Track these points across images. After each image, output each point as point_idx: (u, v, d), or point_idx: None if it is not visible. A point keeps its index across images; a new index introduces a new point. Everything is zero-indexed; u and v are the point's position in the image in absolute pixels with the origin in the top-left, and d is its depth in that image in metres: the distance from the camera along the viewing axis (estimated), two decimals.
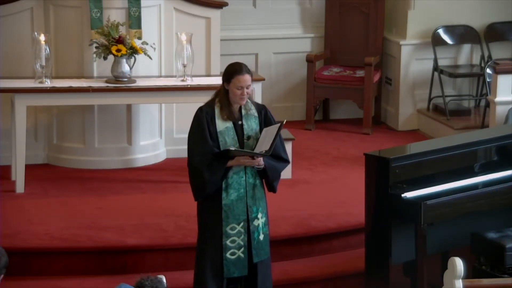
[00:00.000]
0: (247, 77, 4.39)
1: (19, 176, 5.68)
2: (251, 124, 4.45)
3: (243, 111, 4.45)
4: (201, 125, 4.37)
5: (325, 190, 5.88)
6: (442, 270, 4.35)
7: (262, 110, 4.50)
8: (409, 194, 4.77)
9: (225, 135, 4.39)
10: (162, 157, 6.29)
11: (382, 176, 4.78)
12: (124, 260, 5.02)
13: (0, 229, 5.13)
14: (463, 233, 4.95)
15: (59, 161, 6.14)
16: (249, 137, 4.43)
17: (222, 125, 4.39)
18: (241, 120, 4.43)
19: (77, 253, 5.01)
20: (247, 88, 4.39)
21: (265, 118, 4.48)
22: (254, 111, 4.47)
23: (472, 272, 4.80)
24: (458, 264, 4.05)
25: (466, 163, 5.03)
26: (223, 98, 4.41)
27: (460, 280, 4.07)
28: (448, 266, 4.12)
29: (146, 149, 6.21)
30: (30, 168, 5.83)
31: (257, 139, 4.42)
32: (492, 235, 4.88)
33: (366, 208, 4.88)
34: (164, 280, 3.32)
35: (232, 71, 4.41)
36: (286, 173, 5.98)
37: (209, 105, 4.44)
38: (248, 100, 4.46)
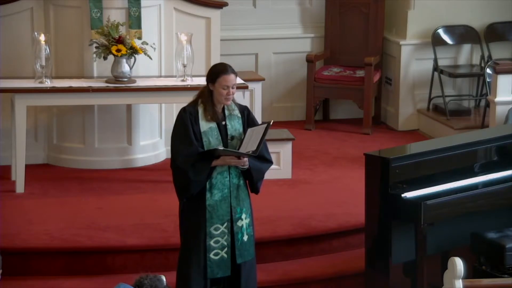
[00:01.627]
0: (232, 77, 4.39)
1: (19, 176, 5.68)
2: (234, 125, 4.45)
3: (227, 112, 4.45)
4: (185, 125, 4.37)
5: (325, 190, 5.88)
6: (442, 270, 4.35)
7: (244, 111, 4.50)
8: (409, 194, 4.77)
9: (209, 135, 4.39)
10: (162, 157, 6.29)
11: (382, 176, 4.78)
12: (124, 260, 5.02)
13: (0, 228, 5.13)
14: (463, 233, 4.94)
15: (59, 161, 6.14)
16: (232, 138, 4.43)
17: (206, 125, 4.39)
18: (225, 120, 4.43)
19: (77, 253, 5.01)
20: (232, 87, 4.39)
21: (248, 119, 4.49)
22: (237, 112, 4.47)
23: (472, 272, 4.79)
24: (458, 264, 4.05)
25: (466, 163, 5.03)
26: (207, 98, 4.41)
27: (460, 280, 4.07)
28: (448, 266, 4.12)
29: (146, 149, 6.20)
30: (30, 168, 5.83)
31: (241, 140, 4.42)
32: (492, 235, 4.88)
33: (366, 208, 4.88)
34: (164, 279, 3.31)
35: (217, 71, 4.41)
36: (286, 173, 5.98)
37: (192, 106, 4.43)
38: (231, 101, 4.46)
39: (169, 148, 6.27)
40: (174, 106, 6.26)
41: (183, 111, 4.42)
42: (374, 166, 4.81)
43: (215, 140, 4.39)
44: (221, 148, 4.35)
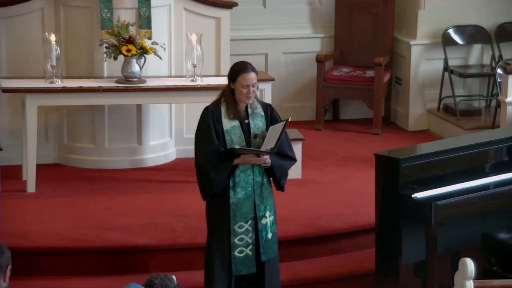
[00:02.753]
0: (252, 75, 4.39)
1: (30, 176, 5.69)
2: (257, 123, 4.45)
3: (249, 110, 4.45)
4: (207, 125, 4.38)
5: (334, 190, 5.87)
6: (453, 271, 4.33)
7: (268, 109, 4.50)
8: (419, 195, 4.76)
9: (231, 134, 4.39)
10: (172, 157, 6.30)
11: (392, 177, 4.76)
12: (132, 260, 5.03)
13: (10, 228, 5.15)
14: (474, 234, 4.92)
15: (69, 161, 6.16)
16: (256, 136, 4.43)
17: (229, 124, 4.40)
18: (248, 119, 4.44)
19: (85, 253, 5.02)
20: (253, 86, 4.38)
21: (271, 117, 4.48)
22: (260, 110, 4.47)
23: (482, 273, 4.77)
24: (469, 264, 4.02)
25: (476, 164, 5.01)
26: (229, 97, 4.41)
27: (471, 281, 4.05)
28: (459, 267, 4.10)
29: (156, 149, 6.21)
30: (40, 168, 5.84)
31: (263, 138, 4.42)
32: (503, 235, 4.86)
33: (376, 209, 4.87)
34: (174, 279, 3.31)
35: (238, 70, 4.41)
36: (296, 173, 5.97)
37: (215, 105, 4.44)
38: (254, 99, 4.46)
39: (179, 148, 6.34)
40: (184, 106, 6.26)
41: (205, 111, 4.43)
42: (384, 167, 4.80)
43: (238, 139, 4.39)
44: (238, 147, 4.34)
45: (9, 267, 3.13)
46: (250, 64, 4.44)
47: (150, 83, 5.82)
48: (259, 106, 4.48)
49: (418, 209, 4.72)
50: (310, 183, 5.97)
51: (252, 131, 4.42)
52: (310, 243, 5.24)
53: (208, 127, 4.37)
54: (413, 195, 4.74)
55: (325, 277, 5.07)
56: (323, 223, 5.35)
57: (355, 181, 6.00)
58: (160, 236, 5.12)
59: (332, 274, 5.09)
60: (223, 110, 4.40)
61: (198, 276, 4.73)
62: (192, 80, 5.87)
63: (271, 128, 4.42)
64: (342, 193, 5.81)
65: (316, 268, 5.12)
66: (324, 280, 5.06)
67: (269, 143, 4.37)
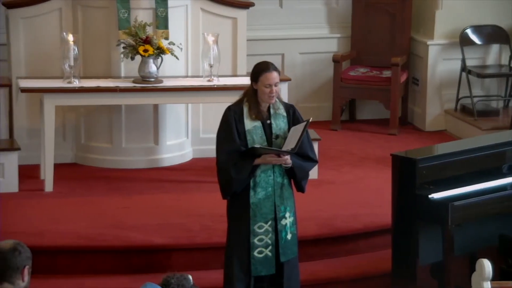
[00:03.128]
0: (274, 75, 4.40)
1: (47, 175, 5.73)
2: (279, 123, 4.45)
3: (272, 110, 4.46)
4: (229, 124, 4.39)
5: (350, 190, 5.86)
6: (470, 272, 4.31)
7: (290, 109, 4.51)
8: (436, 195, 4.74)
9: (253, 134, 4.40)
10: (188, 157, 6.31)
11: (409, 177, 4.75)
12: (149, 259, 5.04)
13: (29, 227, 5.18)
14: (491, 235, 4.90)
15: (86, 161, 6.19)
16: (277, 136, 4.43)
17: (250, 124, 4.41)
18: (270, 119, 4.44)
19: (103, 252, 5.04)
20: (275, 85, 4.39)
21: (293, 117, 4.48)
22: (282, 110, 4.48)
23: (499, 274, 4.74)
24: (487, 266, 4.00)
25: (494, 164, 4.98)
26: (252, 97, 4.43)
27: (489, 282, 4.03)
28: (476, 268, 4.08)
29: (172, 149, 6.23)
30: (58, 168, 5.88)
31: (285, 138, 4.42)
32: None
33: (393, 209, 4.85)
34: (191, 278, 3.31)
35: (260, 70, 4.43)
36: (312, 174, 5.95)
37: (238, 105, 4.46)
38: (277, 99, 4.47)
39: (195, 148, 6.36)
40: (201, 106, 6.27)
41: (228, 110, 4.45)
42: (400, 167, 4.79)
43: (259, 139, 4.40)
44: (258, 146, 4.35)
45: (27, 267, 3.14)
46: (272, 63, 4.46)
47: (167, 83, 5.84)
48: (281, 106, 4.49)
49: (434, 209, 4.70)
50: (326, 183, 5.96)
51: (273, 131, 4.43)
52: (326, 244, 5.23)
53: (230, 126, 4.38)
54: (429, 196, 4.72)
55: (341, 278, 5.06)
56: (339, 223, 5.34)
57: (371, 182, 5.98)
58: (177, 236, 5.14)
59: (348, 274, 5.08)
60: (245, 110, 4.42)
61: (214, 276, 4.74)
62: (209, 80, 5.88)
63: (292, 128, 4.42)
64: (358, 194, 5.79)
65: (332, 269, 5.11)
66: (340, 280, 5.05)
67: (290, 143, 4.37)
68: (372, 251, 5.27)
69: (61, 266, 5.02)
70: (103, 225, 5.25)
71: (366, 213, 5.45)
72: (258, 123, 4.41)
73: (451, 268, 4.71)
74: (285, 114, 4.47)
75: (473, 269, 4.13)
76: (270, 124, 4.43)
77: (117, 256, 5.03)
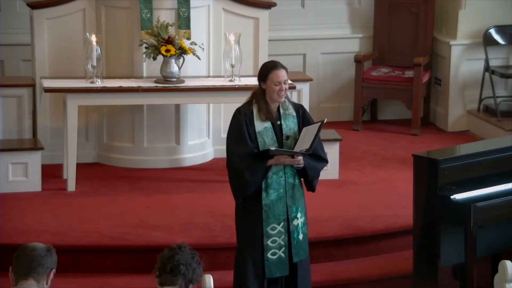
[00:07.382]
0: (283, 72, 4.39)
1: (70, 175, 5.78)
2: (289, 124, 4.44)
3: (281, 111, 4.45)
4: (240, 126, 4.38)
5: (372, 191, 5.85)
6: (492, 273, 4.28)
7: (299, 110, 4.49)
8: (458, 196, 4.72)
9: (264, 136, 4.39)
10: (209, 157, 6.33)
11: (431, 178, 4.73)
12: None
13: (52, 226, 5.23)
14: None
15: (109, 160, 6.23)
16: (288, 137, 4.43)
17: (261, 125, 4.40)
18: (280, 120, 4.43)
19: (126, 251, 5.07)
20: (284, 83, 4.38)
21: (303, 118, 4.47)
22: (292, 111, 4.47)
23: None
24: (509, 267, 3.99)
25: None
26: (260, 98, 4.41)
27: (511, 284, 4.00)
28: (499, 270, 4.06)
29: (194, 148, 6.25)
30: (81, 167, 5.92)
31: (295, 139, 4.41)
32: None
33: (415, 210, 4.84)
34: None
35: (268, 68, 4.42)
36: (333, 174, 5.97)
37: (247, 106, 4.44)
38: (286, 99, 4.45)
39: (217, 148, 6.38)
40: (222, 106, 6.29)
41: (237, 112, 4.43)
42: (422, 168, 4.77)
43: (270, 140, 4.39)
44: (273, 148, 4.35)
45: (53, 270, 3.18)
46: (279, 62, 4.45)
47: (189, 83, 5.86)
48: (290, 106, 4.47)
49: (457, 210, 4.68)
50: (348, 183, 5.95)
51: (284, 132, 4.42)
52: (347, 244, 5.23)
53: (241, 129, 4.37)
54: (452, 197, 4.70)
55: (363, 279, 5.05)
56: (361, 224, 5.33)
57: (393, 182, 5.96)
58: (199, 236, 5.16)
59: (369, 275, 5.07)
60: (255, 111, 4.40)
61: None
62: (230, 80, 5.89)
63: (304, 129, 4.41)
64: (380, 194, 5.78)
65: (354, 269, 5.11)
66: (362, 281, 5.05)
67: (304, 144, 4.36)
68: (394, 252, 5.25)
69: (85, 265, 5.05)
70: (127, 224, 5.28)
71: (388, 214, 5.44)
72: (268, 124, 4.40)
73: (473, 269, 4.68)
74: (294, 114, 4.45)
75: (495, 271, 4.11)
76: (281, 125, 4.42)
77: (140, 256, 5.05)
